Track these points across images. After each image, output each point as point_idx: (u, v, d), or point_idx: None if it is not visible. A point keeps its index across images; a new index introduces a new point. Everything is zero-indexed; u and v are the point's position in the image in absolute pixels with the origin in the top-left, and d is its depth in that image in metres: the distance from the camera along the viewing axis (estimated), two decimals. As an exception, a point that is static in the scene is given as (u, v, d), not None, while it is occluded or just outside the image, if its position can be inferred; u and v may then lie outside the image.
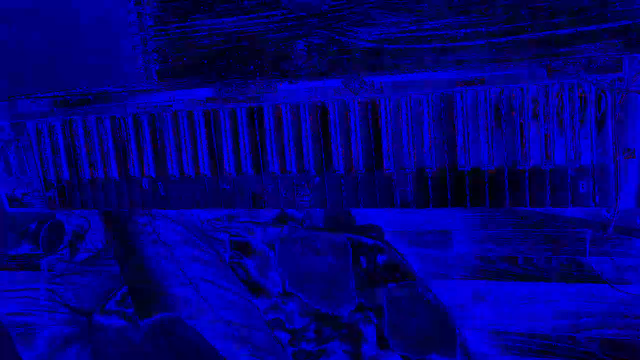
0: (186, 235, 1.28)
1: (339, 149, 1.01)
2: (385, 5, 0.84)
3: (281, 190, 1.06)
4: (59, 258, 1.80)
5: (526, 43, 0.81)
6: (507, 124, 0.92)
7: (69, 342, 1.34)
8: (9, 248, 1.63)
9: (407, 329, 1.40)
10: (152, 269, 1.26)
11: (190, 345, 1.25)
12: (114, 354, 1.33)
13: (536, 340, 1.43)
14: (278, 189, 1.06)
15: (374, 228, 1.55)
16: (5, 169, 1.21)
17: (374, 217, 1.55)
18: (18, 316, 1.33)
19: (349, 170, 1.01)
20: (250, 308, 1.33)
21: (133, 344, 1.30)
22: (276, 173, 1.05)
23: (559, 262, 1.39)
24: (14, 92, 1.06)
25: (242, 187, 1.08)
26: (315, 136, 1.01)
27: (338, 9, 0.86)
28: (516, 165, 0.92)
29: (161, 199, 1.13)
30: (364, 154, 0.99)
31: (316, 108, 1.00)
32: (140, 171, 1.13)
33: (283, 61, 0.91)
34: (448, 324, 1.42)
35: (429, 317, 1.41)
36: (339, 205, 1.02)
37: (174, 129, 1.09)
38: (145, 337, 1.28)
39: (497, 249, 1.43)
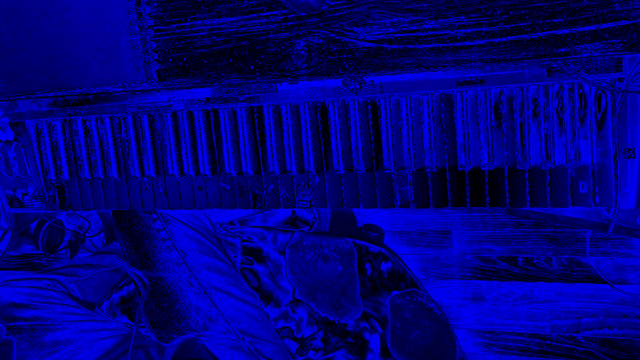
0: (201, 242, 1.25)
1: (339, 149, 1.00)
2: (385, 5, 0.84)
3: (281, 190, 1.06)
4: (59, 258, 1.80)
5: (526, 43, 0.81)
6: (507, 124, 0.91)
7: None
8: (10, 249, 1.63)
9: (409, 339, 1.38)
10: (165, 276, 1.22)
11: None
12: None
13: (535, 340, 1.43)
14: (278, 189, 1.06)
15: (374, 228, 1.55)
16: (5, 169, 1.20)
17: (374, 217, 1.55)
18: (25, 309, 1.27)
19: (349, 170, 1.01)
20: (264, 319, 1.29)
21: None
22: (276, 173, 1.05)
23: (559, 262, 1.39)
24: (13, 92, 1.06)
25: (242, 187, 1.08)
26: (315, 136, 1.01)
27: (338, 9, 0.86)
28: (516, 165, 0.92)
29: (161, 199, 1.13)
30: (364, 154, 0.99)
31: (316, 108, 1.00)
32: (140, 171, 1.13)
33: (283, 61, 0.91)
34: (449, 335, 1.41)
35: (430, 327, 1.39)
36: (339, 205, 1.02)
37: (174, 129, 1.09)
38: None
39: (497, 249, 1.43)
